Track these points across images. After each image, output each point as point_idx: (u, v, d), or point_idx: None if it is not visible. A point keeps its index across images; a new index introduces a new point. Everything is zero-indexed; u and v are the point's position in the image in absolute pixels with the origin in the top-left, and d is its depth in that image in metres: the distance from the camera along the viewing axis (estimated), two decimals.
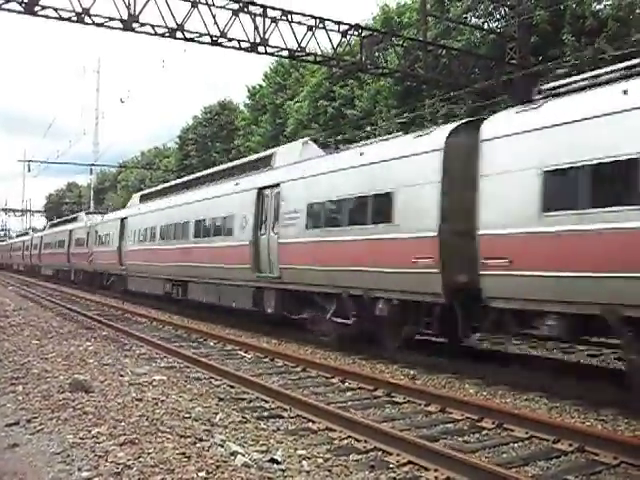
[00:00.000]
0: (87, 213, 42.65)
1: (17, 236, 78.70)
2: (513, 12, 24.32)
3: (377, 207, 11.84)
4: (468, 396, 9.20)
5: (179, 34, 18.98)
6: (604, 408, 8.24)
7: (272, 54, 21.61)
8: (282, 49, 20.76)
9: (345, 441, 6.95)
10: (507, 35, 24.51)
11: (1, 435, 6.05)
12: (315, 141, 17.31)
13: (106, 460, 5.19)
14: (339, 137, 26.52)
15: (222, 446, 5.88)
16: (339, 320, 13.12)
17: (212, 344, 14.69)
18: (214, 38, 19.41)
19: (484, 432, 7.40)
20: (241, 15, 19.56)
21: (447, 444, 6.82)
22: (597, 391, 8.74)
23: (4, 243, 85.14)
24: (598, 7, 23.72)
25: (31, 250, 54.91)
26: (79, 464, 5.11)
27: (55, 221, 57.19)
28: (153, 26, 18.58)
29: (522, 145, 9.24)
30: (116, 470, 4.98)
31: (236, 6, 19.50)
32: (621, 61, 9.19)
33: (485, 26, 27.37)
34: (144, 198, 28.59)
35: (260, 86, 45.25)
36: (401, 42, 23.81)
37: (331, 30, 21.30)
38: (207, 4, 19.10)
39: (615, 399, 8.35)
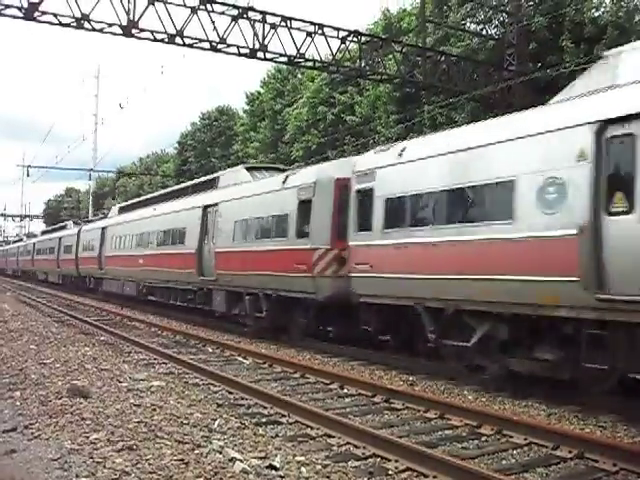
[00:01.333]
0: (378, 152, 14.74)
1: (60, 227, 48.67)
2: (512, 18, 24.39)
3: None
4: (467, 402, 9.19)
5: (178, 40, 19.04)
6: (603, 414, 8.23)
7: (271, 60, 21.70)
8: (281, 55, 20.81)
9: (344, 447, 6.93)
10: (506, 41, 24.57)
11: None
12: None
13: (104, 466, 5.16)
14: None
15: (220, 452, 5.85)
16: None
17: (210, 350, 14.67)
18: (213, 44, 19.46)
19: (483, 438, 7.39)
20: (240, 21, 19.63)
21: (446, 450, 6.81)
22: (596, 397, 8.72)
23: (28, 241, 59.61)
24: (597, 14, 23.79)
25: (105, 247, 30.86)
26: (77, 470, 5.08)
27: (187, 184, 26.39)
28: (152, 32, 18.65)
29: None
30: (114, 476, 4.95)
31: (235, 12, 19.58)
32: None
33: (484, 32, 27.44)
34: None
35: (259, 92, 45.35)
36: (400, 48, 23.87)
37: (330, 36, 21.37)
38: (206, 10, 19.16)
39: (614, 405, 8.35)
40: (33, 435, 6.13)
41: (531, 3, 25.25)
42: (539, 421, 7.97)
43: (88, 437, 5.99)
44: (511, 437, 7.28)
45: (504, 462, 6.57)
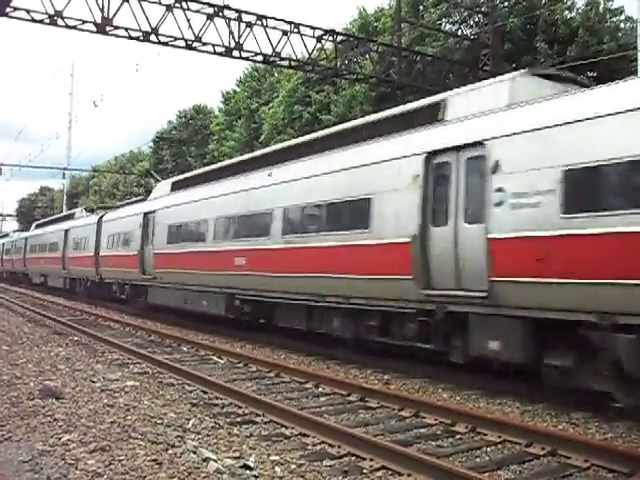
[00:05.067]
0: None
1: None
2: (487, 19, 24.59)
3: None
4: (441, 401, 9.24)
5: (153, 38, 18.89)
6: (575, 412, 8.33)
7: (247, 59, 21.59)
8: (257, 54, 20.75)
9: (319, 446, 6.93)
10: (481, 42, 24.76)
11: None
12: None
13: (76, 468, 5.11)
14: None
15: (194, 452, 5.83)
16: None
17: (185, 349, 14.58)
18: (189, 42, 19.35)
19: (457, 436, 7.43)
20: (216, 19, 19.53)
21: (421, 448, 6.84)
22: (568, 395, 8.82)
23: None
24: (570, 15, 24.08)
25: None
26: (48, 472, 5.03)
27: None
28: (127, 29, 18.47)
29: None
30: (86, 478, 4.91)
31: (211, 10, 19.47)
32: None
33: (459, 32, 27.62)
34: None
35: (234, 91, 45.17)
36: (376, 48, 23.94)
37: (306, 35, 21.35)
38: (182, 8, 19.03)
39: (586, 403, 8.45)
40: (3, 437, 6.05)
41: (506, 4, 25.49)
42: (513, 419, 8.04)
43: (60, 438, 5.94)
44: (485, 435, 7.34)
45: (478, 460, 6.61)
